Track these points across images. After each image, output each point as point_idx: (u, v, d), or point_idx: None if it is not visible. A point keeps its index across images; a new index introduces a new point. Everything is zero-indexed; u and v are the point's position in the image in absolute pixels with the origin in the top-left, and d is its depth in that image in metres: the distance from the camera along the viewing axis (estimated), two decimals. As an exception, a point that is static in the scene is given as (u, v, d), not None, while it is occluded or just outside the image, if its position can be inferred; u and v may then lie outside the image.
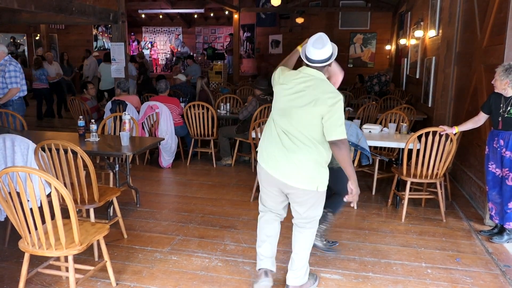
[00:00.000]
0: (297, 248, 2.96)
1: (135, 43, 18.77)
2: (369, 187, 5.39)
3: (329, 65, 2.83)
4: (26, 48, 17.69)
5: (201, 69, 12.85)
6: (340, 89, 2.97)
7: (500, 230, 3.99)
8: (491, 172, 3.95)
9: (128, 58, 10.58)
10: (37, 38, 17.17)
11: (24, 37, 17.73)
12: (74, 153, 3.27)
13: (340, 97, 2.68)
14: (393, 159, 5.41)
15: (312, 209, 2.88)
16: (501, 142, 3.79)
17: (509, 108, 3.71)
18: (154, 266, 3.41)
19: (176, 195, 5.27)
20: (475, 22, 5.19)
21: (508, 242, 3.91)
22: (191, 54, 15.22)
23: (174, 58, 17.90)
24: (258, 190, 5.09)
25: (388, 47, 14.11)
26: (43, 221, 2.57)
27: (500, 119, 3.78)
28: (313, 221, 2.94)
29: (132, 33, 18.91)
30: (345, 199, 2.82)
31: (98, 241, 3.10)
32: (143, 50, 18.50)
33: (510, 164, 3.75)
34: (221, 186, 5.54)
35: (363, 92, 10.50)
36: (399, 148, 4.88)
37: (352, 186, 2.73)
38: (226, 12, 16.20)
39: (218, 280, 3.22)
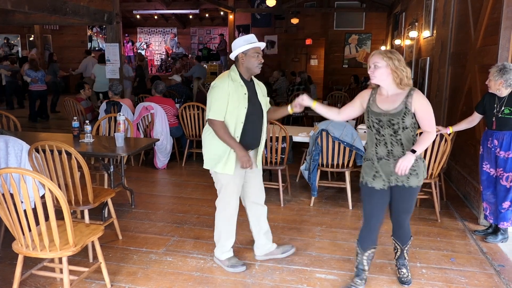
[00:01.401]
0: None
1: (130, 43, 18.68)
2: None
3: (237, 60, 3.18)
4: (20, 49, 17.58)
5: (203, 69, 12.60)
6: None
7: (495, 230, 4.01)
8: (485, 172, 3.97)
9: (124, 59, 10.56)
10: (31, 39, 17.07)
11: (18, 38, 17.62)
12: (69, 154, 3.26)
13: (212, 84, 3.14)
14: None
15: (219, 186, 3.31)
16: (495, 142, 3.80)
17: (503, 108, 3.72)
18: (149, 267, 3.40)
19: (171, 196, 5.25)
20: (469, 23, 5.22)
21: (502, 242, 3.93)
22: (198, 55, 15.14)
23: (169, 59, 17.84)
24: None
25: (383, 47, 14.14)
26: (37, 223, 2.56)
27: (494, 119, 3.80)
28: (218, 200, 3.35)
29: (127, 34, 18.83)
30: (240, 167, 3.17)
31: (92, 242, 3.08)
32: (138, 51, 18.41)
33: (504, 164, 3.76)
34: (217, 187, 5.52)
35: (358, 93, 10.51)
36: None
37: (239, 155, 3.11)
38: (221, 13, 16.18)
39: (213, 281, 3.22)
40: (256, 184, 3.45)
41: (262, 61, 3.20)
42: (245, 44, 3.11)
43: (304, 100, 3.15)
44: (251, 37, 3.17)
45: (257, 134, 3.29)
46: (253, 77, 3.31)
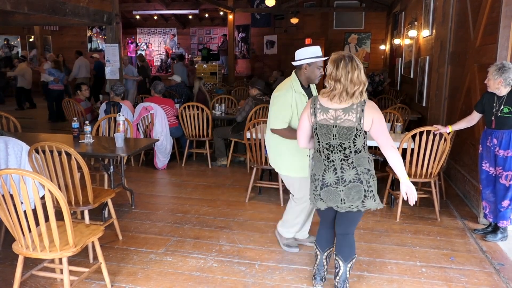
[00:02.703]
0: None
1: (133, 44, 18.68)
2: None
3: (300, 68, 3.33)
4: (20, 50, 17.58)
5: (185, 70, 12.45)
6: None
7: (494, 229, 4.01)
8: (484, 171, 3.97)
9: (127, 60, 10.55)
10: (31, 40, 17.08)
11: (18, 39, 17.63)
12: (68, 155, 3.26)
13: (276, 94, 3.33)
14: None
15: (287, 185, 3.61)
16: (495, 141, 3.81)
17: (502, 107, 3.73)
18: (149, 267, 3.41)
19: (171, 196, 5.26)
20: (468, 22, 5.22)
21: (502, 241, 3.93)
22: (182, 54, 15.10)
23: (169, 59, 17.84)
24: (253, 190, 5.10)
25: (382, 47, 14.16)
26: (37, 224, 2.57)
27: (493, 118, 3.80)
28: (293, 197, 3.57)
29: (133, 36, 18.84)
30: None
31: (92, 242, 3.08)
32: (139, 51, 18.42)
33: (503, 163, 3.77)
34: (216, 187, 5.54)
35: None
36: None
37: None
38: (221, 13, 16.18)
39: (213, 280, 3.22)
40: None
41: (323, 73, 3.28)
42: (313, 57, 3.25)
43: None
44: (318, 50, 3.28)
45: None
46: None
